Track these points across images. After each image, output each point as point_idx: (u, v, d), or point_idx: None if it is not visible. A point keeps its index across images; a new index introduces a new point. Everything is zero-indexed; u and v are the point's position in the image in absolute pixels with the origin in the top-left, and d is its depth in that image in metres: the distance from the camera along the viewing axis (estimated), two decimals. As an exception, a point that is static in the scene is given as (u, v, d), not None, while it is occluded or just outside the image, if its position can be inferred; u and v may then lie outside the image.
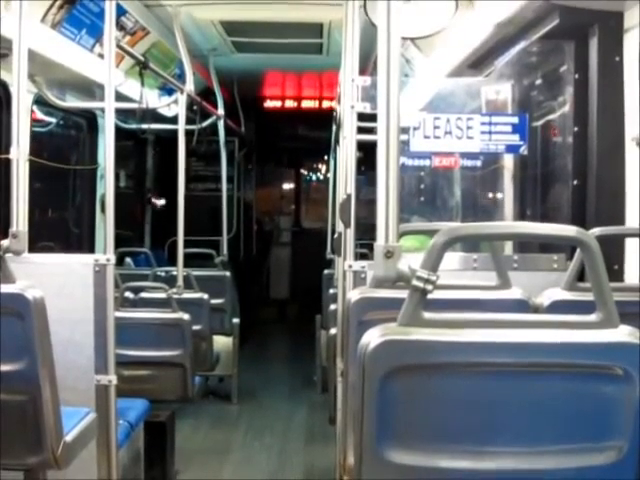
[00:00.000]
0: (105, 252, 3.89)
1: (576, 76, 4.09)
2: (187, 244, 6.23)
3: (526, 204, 5.36)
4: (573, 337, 2.16)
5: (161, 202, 9.89)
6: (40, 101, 5.82)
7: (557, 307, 3.19)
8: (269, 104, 11.36)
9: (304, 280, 11.60)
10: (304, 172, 14.40)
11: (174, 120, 6.54)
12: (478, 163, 4.83)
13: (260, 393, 8.35)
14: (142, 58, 5.52)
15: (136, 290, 5.93)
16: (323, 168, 13.96)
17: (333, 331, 4.96)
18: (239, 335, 7.85)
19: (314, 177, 14.46)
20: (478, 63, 5.11)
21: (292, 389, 8.58)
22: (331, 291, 6.47)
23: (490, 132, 4.24)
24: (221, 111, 8.60)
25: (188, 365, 5.43)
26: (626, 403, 2.14)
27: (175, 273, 6.15)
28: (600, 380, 2.15)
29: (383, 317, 2.32)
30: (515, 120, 4.29)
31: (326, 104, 10.71)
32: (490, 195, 5.68)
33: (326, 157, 11.77)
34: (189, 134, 6.87)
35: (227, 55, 8.07)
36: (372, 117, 2.69)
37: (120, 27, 5.68)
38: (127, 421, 4.52)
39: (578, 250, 2.75)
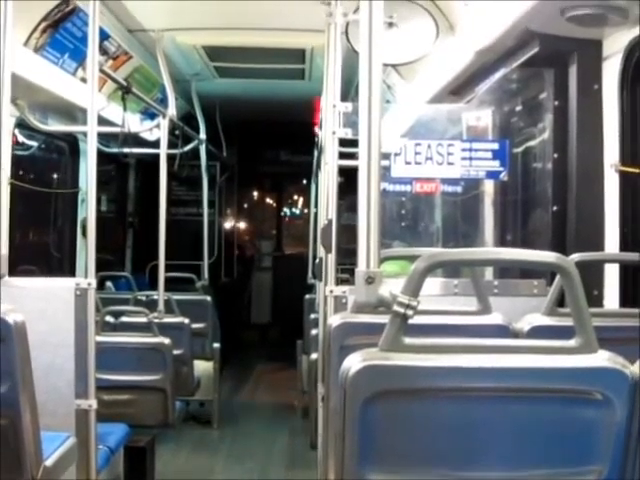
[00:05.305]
0: (86, 276, 3.88)
1: (556, 103, 4.13)
2: (168, 268, 6.22)
3: (506, 230, 5.39)
4: (553, 362, 2.18)
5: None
6: (22, 124, 5.82)
7: (537, 332, 3.20)
8: (251, 129, 11.35)
9: (285, 305, 11.57)
10: (286, 197, 14.41)
11: (156, 144, 6.54)
12: (459, 189, 4.85)
13: (241, 418, 8.30)
14: (125, 82, 5.54)
15: (117, 314, 5.90)
16: (305, 193, 13.97)
17: (314, 356, 4.96)
18: (220, 360, 7.82)
19: (295, 202, 14.48)
20: (459, 90, 5.16)
21: (273, 414, 8.54)
22: (312, 316, 6.47)
23: (471, 158, 4.26)
24: (203, 135, 8.61)
25: (169, 390, 5.41)
26: (605, 427, 2.15)
27: (156, 297, 6.13)
28: (579, 405, 2.16)
29: (364, 342, 2.33)
30: (495, 146, 4.32)
31: (308, 129, 10.72)
32: (471, 220, 5.70)
33: (308, 182, 11.79)
34: (171, 158, 6.87)
35: (209, 80, 8.08)
36: (353, 143, 2.70)
37: (103, 51, 5.69)
38: (107, 446, 4.48)
39: (558, 276, 2.77)
